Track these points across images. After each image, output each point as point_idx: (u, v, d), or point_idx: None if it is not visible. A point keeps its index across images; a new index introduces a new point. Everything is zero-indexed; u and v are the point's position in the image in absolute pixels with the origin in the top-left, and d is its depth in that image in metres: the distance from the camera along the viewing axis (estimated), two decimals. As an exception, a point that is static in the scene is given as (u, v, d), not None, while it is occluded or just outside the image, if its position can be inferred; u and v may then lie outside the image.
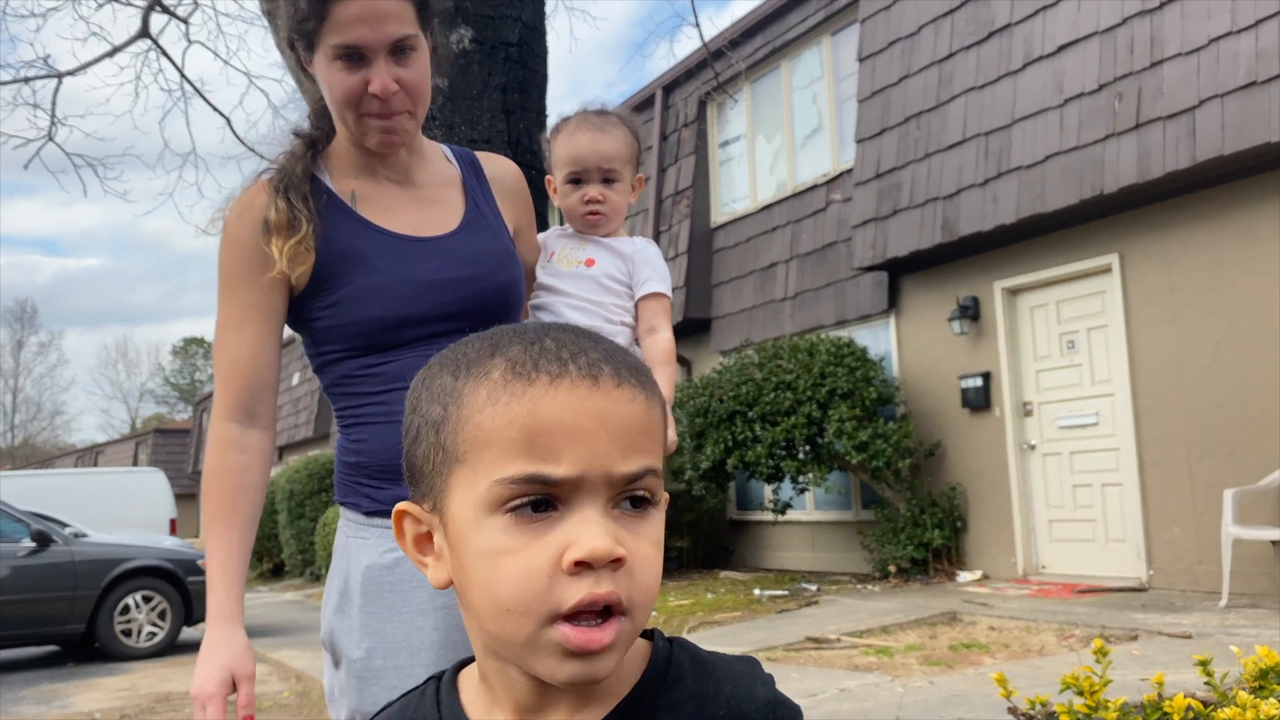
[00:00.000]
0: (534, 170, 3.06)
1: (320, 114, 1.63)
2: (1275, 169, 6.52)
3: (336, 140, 1.62)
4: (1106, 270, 7.61)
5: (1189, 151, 6.56)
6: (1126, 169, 6.93)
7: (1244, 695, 2.86)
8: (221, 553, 1.47)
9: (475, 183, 1.69)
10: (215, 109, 7.59)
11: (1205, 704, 3.13)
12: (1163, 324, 7.21)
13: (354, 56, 1.48)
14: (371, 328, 1.52)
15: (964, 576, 8.33)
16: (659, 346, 1.78)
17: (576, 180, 1.78)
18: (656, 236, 11.78)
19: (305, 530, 14.73)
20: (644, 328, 1.80)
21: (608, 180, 1.77)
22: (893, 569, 8.66)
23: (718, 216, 11.71)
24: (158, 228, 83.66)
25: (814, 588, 8.72)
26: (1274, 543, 6.25)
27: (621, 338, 1.75)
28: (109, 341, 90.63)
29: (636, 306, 1.79)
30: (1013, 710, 3.39)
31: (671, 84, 12.18)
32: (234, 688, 1.43)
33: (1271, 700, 2.89)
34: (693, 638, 8.28)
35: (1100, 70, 7.22)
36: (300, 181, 1.54)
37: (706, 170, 11.83)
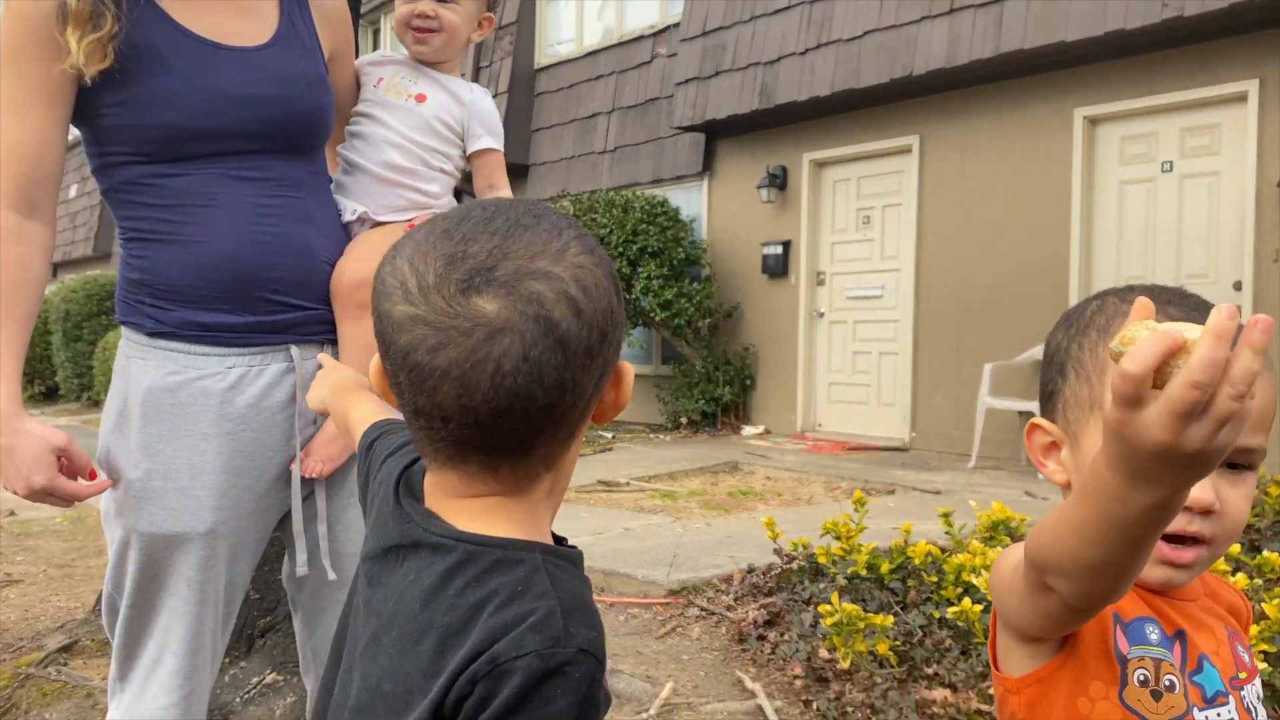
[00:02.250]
0: (347, -11, 2.90)
1: None
2: (1066, 67, 6.95)
3: None
4: (907, 150, 7.98)
5: (994, 41, 6.88)
6: (936, 52, 7.21)
7: (976, 544, 3.26)
8: (1, 347, 1.39)
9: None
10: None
11: (944, 550, 3.54)
12: (951, 207, 7.68)
13: None
14: (163, 134, 1.44)
15: (748, 430, 8.85)
16: None
17: None
18: (476, 73, 11.37)
19: (82, 353, 13.87)
20: (483, 184, 1.77)
21: None
22: (684, 421, 9.09)
23: (541, 58, 11.39)
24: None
25: (610, 435, 9.04)
26: (1020, 413, 6.94)
27: (438, 184, 1.71)
28: None
29: (470, 160, 1.75)
30: (778, 551, 3.72)
31: (502, -90, 11.55)
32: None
33: (998, 549, 3.30)
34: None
35: (924, -48, 7.38)
36: None
37: (532, 6, 11.41)
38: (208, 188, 1.47)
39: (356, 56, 1.78)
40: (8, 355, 1.40)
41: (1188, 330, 0.63)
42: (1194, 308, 0.92)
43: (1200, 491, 0.89)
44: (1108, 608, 0.88)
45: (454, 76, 1.76)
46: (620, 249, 8.77)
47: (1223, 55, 6.29)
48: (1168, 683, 0.89)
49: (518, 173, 11.35)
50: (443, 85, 1.72)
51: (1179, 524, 0.89)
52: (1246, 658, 0.97)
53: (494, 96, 11.11)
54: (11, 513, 6.32)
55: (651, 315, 8.87)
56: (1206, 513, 0.90)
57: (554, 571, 0.77)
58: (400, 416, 1.15)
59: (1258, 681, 0.97)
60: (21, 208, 1.43)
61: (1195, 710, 0.89)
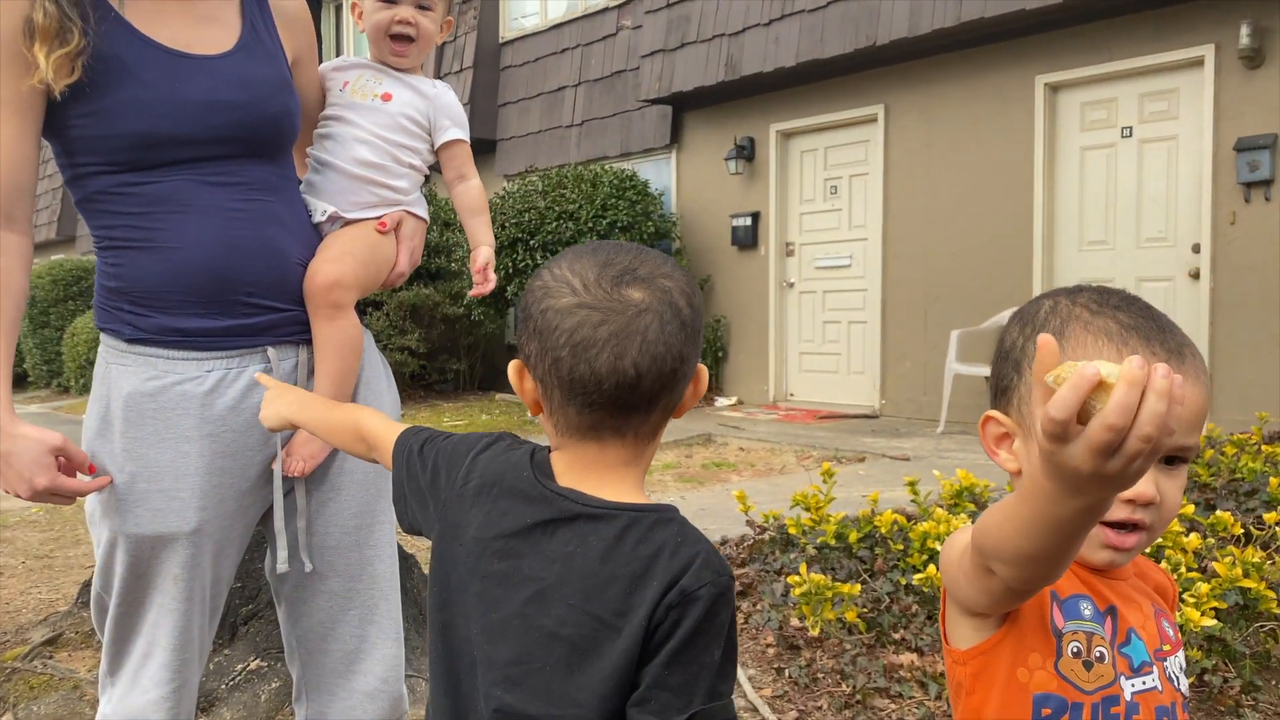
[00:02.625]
0: (309, -21, 2.90)
1: None
2: (1026, 35, 7.01)
3: None
4: (872, 120, 8.03)
5: (955, 11, 6.93)
6: (899, 22, 7.25)
7: (940, 511, 3.35)
8: None
9: (254, 5, 1.63)
10: None
11: (909, 518, 3.63)
12: (917, 176, 7.76)
13: None
14: (133, 143, 1.46)
15: (721, 402, 8.94)
16: (472, 193, 1.80)
17: (389, 0, 1.72)
18: (440, 49, 11.29)
19: (50, 339, 13.75)
20: (453, 175, 1.81)
21: (421, 6, 1.73)
22: (658, 394, 9.17)
23: (506, 31, 11.32)
24: None
25: (584, 410, 9.11)
26: (987, 378, 7.06)
27: (406, 181, 1.75)
28: None
29: (439, 154, 1.79)
30: (750, 523, 3.80)
31: (462, -118, 11.42)
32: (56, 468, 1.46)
33: (963, 515, 3.39)
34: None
35: (885, -80, 7.41)
36: None
37: (496, -19, 11.34)
38: (180, 194, 1.50)
39: (320, 54, 1.82)
40: None
41: (1105, 368, 0.70)
42: (1141, 313, 0.97)
43: (1144, 486, 0.95)
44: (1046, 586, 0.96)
45: (417, 75, 1.81)
46: (590, 224, 8.79)
47: (1179, 21, 6.38)
48: (1098, 654, 0.97)
49: (485, 148, 11.31)
50: (407, 83, 1.77)
51: (1124, 513, 0.96)
52: (1171, 632, 1.04)
53: (459, 71, 11.06)
54: (-14, 504, 6.30)
55: (623, 289, 8.92)
56: (1148, 504, 0.97)
57: (690, 523, 1.01)
58: (401, 424, 1.25)
59: (1181, 654, 1.05)
60: None
61: (1122, 679, 0.97)
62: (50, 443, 1.44)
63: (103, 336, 1.57)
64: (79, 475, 1.49)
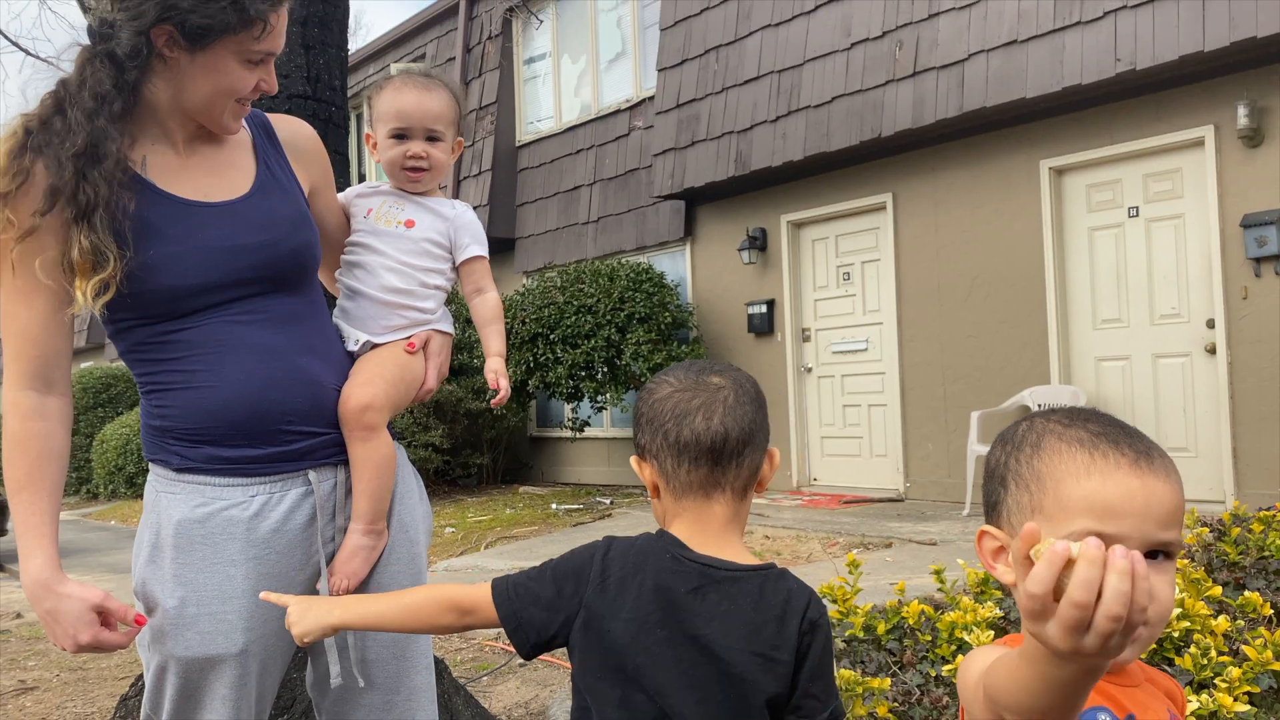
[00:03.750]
0: (334, 107, 3.06)
1: (121, 87, 1.53)
2: (1027, 122, 7.19)
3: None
4: (881, 208, 8.19)
5: (957, 101, 7.12)
6: (903, 114, 7.45)
7: (966, 600, 3.35)
8: (35, 518, 1.49)
9: (267, 145, 1.71)
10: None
11: (937, 607, 3.63)
12: (928, 259, 7.87)
13: (259, 60, 1.56)
14: (165, 296, 1.54)
15: (746, 489, 8.94)
16: (488, 306, 1.89)
17: (400, 136, 1.81)
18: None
19: (79, 446, 13.93)
20: (471, 289, 1.90)
21: (431, 138, 1.82)
22: (682, 483, 9.17)
23: (522, 135, 11.66)
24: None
25: (608, 501, 9.11)
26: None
27: (432, 301, 1.84)
28: None
29: (459, 270, 1.88)
30: (777, 616, 3.80)
31: (476, -6, 11.91)
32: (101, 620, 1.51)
33: (989, 603, 3.39)
34: (490, 552, 8.16)
35: (884, 17, 7.67)
36: (112, 200, 1.48)
37: (511, 87, 11.72)
38: (214, 335, 1.57)
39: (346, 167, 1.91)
40: (44, 524, 1.50)
41: (1075, 547, 0.75)
42: (1110, 423, 1.04)
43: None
44: None
45: (435, 197, 1.90)
46: (608, 316, 8.93)
47: (1177, 103, 6.53)
48: None
49: (504, 247, 11.56)
50: (427, 208, 1.86)
51: None
52: None
53: (478, 174, 11.37)
54: (18, 615, 6.35)
55: (642, 380, 9.01)
56: (1142, 607, 1.02)
57: (790, 572, 1.31)
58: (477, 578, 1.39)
59: None
60: (38, 386, 1.54)
61: None
62: (92, 600, 1.49)
63: (152, 466, 1.65)
64: (121, 627, 1.55)
